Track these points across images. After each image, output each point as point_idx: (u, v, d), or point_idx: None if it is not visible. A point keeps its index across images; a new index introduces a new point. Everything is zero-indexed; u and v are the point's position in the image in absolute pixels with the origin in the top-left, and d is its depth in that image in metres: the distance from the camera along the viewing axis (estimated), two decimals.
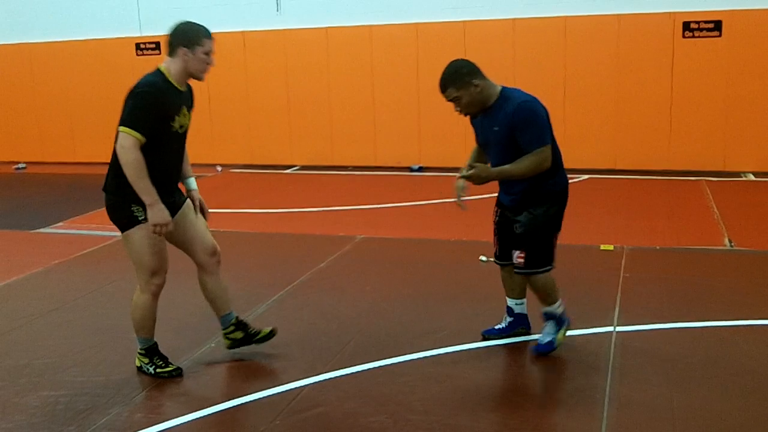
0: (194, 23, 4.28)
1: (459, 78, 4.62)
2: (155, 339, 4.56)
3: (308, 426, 3.96)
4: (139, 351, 4.55)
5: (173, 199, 4.40)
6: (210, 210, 4.71)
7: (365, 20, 11.34)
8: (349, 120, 11.50)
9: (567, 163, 11.06)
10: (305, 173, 11.58)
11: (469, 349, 4.75)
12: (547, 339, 4.60)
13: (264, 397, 4.22)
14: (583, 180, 10.09)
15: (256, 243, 7.54)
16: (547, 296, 4.56)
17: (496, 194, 4.89)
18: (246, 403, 4.18)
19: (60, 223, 8.75)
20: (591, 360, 4.52)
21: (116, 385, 4.43)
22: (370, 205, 9.01)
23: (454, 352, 4.72)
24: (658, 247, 6.78)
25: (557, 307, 4.59)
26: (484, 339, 4.86)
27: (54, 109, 13.32)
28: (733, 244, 6.89)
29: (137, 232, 4.26)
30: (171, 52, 4.22)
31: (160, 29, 12.13)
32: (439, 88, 4.68)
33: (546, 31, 10.62)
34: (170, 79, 4.20)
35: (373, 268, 6.50)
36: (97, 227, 8.43)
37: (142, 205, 4.17)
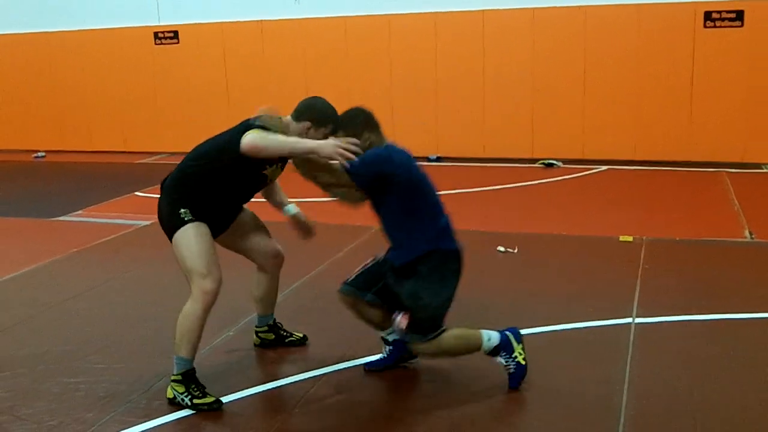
0: (328, 107, 4.20)
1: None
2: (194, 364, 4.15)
3: (326, 415, 3.97)
4: (173, 378, 4.07)
5: (225, 221, 4.36)
6: None
7: (384, 9, 11.30)
8: None
9: (586, 153, 11.03)
10: None
11: None
12: (513, 367, 4.12)
13: (282, 386, 4.24)
14: (602, 171, 10.03)
15: (273, 232, 7.51)
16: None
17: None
18: (264, 391, 4.19)
19: (79, 212, 8.79)
20: (609, 351, 4.50)
21: (136, 372, 4.46)
22: None
23: None
24: (677, 239, 6.73)
25: (487, 343, 4.12)
26: (367, 372, 4.42)
27: (73, 98, 13.36)
28: (753, 236, 6.83)
29: (183, 233, 4.10)
30: (297, 118, 4.20)
31: (179, 18, 12.28)
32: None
33: (566, 20, 10.53)
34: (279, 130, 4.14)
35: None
36: (115, 216, 8.48)
37: (190, 207, 4.13)
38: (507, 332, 4.14)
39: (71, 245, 7.24)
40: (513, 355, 4.09)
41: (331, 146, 3.88)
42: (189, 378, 4.08)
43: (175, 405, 4.04)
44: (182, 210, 4.12)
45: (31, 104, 13.69)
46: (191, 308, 4.10)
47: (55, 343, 4.95)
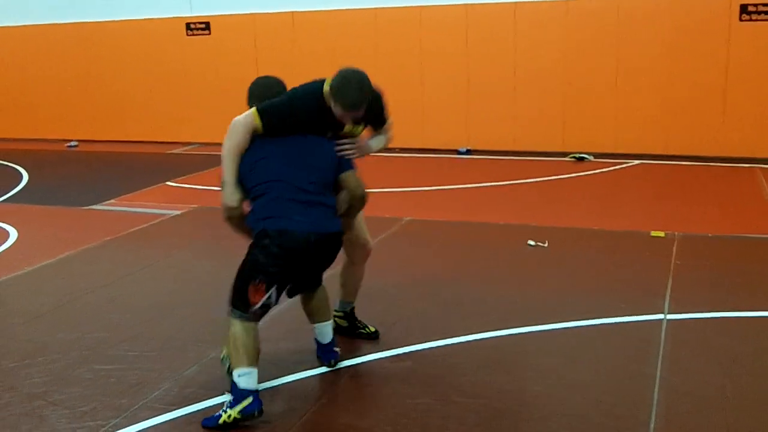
0: (350, 90, 4.05)
1: None
2: None
3: (354, 406, 3.99)
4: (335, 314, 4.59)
5: None
6: None
7: (415, 1, 11.27)
8: (397, 101, 11.29)
9: (617, 147, 10.95)
10: None
11: (516, 334, 4.72)
12: (216, 415, 3.76)
13: (311, 376, 4.25)
14: (634, 165, 9.95)
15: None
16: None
17: None
18: (293, 381, 4.21)
19: (111, 201, 8.88)
20: (641, 347, 4.47)
21: (167, 359, 4.50)
22: (417, 188, 9.00)
23: (500, 336, 4.70)
24: (710, 235, 6.66)
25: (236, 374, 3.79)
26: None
27: (106, 87, 13.48)
28: None
29: None
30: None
31: (210, 9, 12.34)
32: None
33: (599, 13, 10.45)
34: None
35: (419, 250, 6.49)
36: (147, 205, 8.55)
37: None
38: (249, 396, 3.72)
39: (104, 233, 7.32)
40: (224, 410, 3.71)
41: (224, 206, 4.09)
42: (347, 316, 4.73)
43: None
44: None
45: (64, 94, 13.84)
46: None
47: (88, 330, 5.01)
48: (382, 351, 4.52)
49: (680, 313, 4.91)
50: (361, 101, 4.00)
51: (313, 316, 4.35)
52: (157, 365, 4.44)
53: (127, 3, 13.06)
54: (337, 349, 4.37)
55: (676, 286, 5.40)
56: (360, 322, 4.83)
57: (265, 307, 3.91)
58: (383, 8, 11.46)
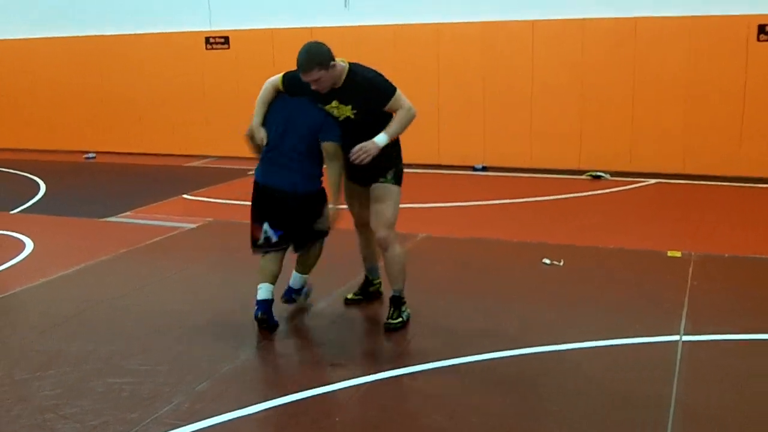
0: (299, 55, 4.78)
1: None
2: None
3: (367, 424, 3.96)
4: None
5: (357, 175, 5.00)
6: None
7: (433, 18, 11.30)
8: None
9: (634, 166, 10.90)
10: None
11: (529, 354, 4.68)
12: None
13: (323, 393, 4.23)
14: (651, 184, 9.89)
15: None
16: None
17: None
18: (306, 398, 4.19)
19: (127, 213, 8.91)
20: (657, 368, 4.42)
21: (179, 373, 4.49)
22: (433, 204, 8.98)
23: (513, 355, 4.66)
24: (727, 255, 6.60)
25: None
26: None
27: (125, 100, 13.58)
28: None
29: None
30: None
31: (230, 24, 12.41)
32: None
33: (616, 31, 10.43)
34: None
35: (433, 267, 6.47)
36: (162, 217, 8.58)
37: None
38: (257, 304, 5.00)
39: (120, 245, 7.34)
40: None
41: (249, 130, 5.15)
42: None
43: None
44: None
45: (84, 106, 13.95)
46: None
47: (101, 342, 5.02)
48: (395, 368, 4.49)
49: (696, 334, 4.86)
50: (307, 65, 4.69)
51: (297, 264, 5.34)
52: (170, 379, 4.43)
53: (147, 17, 13.16)
54: (294, 297, 5.42)
55: (692, 306, 5.35)
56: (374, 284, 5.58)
57: (268, 241, 5.04)
58: (401, 25, 11.49)
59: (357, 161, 4.68)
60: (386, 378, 4.39)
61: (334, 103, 4.80)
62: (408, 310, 5.15)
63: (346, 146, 4.79)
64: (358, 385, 4.31)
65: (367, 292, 5.62)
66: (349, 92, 4.78)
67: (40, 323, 5.50)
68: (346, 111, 4.81)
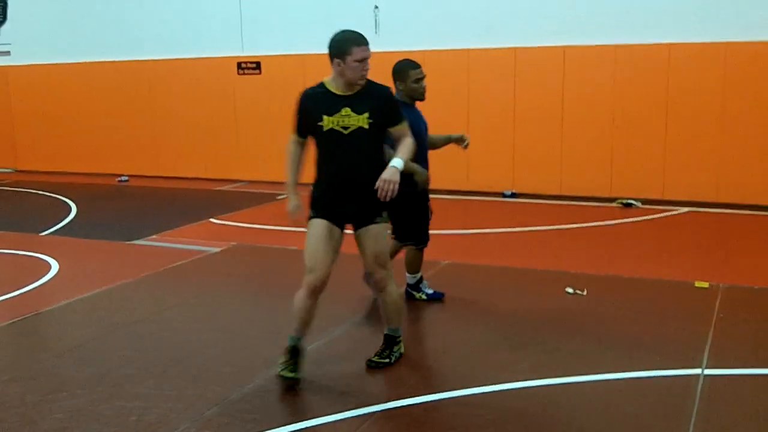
0: (347, 33, 4.52)
1: None
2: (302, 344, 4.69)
3: None
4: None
5: (348, 209, 4.62)
6: (299, 229, 4.89)
7: (463, 44, 11.28)
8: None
9: (666, 194, 10.70)
10: None
11: (546, 385, 4.57)
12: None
13: (332, 422, 4.16)
14: (683, 213, 9.71)
15: (338, 263, 7.51)
16: None
17: None
18: (314, 426, 4.12)
19: (154, 236, 8.96)
20: (674, 404, 4.28)
21: (189, 400, 4.46)
22: (460, 230, 8.90)
23: (530, 387, 4.55)
24: (756, 287, 6.42)
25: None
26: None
27: (158, 124, 13.73)
28: None
29: (308, 229, 4.65)
30: (331, 62, 4.51)
31: (262, 50, 12.50)
32: (417, 65, 5.97)
33: (649, 57, 10.30)
34: (327, 85, 4.56)
35: (456, 295, 6.37)
36: (188, 241, 8.61)
37: (315, 207, 4.64)
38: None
39: (144, 269, 7.37)
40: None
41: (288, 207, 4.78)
42: (290, 351, 4.63)
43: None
44: (311, 210, 4.66)
45: (118, 129, 14.12)
46: (298, 292, 4.61)
47: (116, 366, 5.01)
48: (407, 398, 4.41)
49: (718, 368, 4.71)
50: (364, 38, 4.51)
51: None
52: (179, 404, 4.40)
53: (181, 42, 13.32)
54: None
55: (716, 340, 5.19)
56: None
57: None
58: (432, 51, 11.48)
59: (387, 197, 4.36)
60: (397, 408, 4.31)
61: (345, 111, 4.47)
62: (400, 349, 5.00)
63: (357, 164, 4.54)
64: (367, 414, 4.23)
65: None
66: (365, 99, 4.50)
67: (57, 346, 5.52)
68: (359, 120, 4.47)
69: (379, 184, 4.35)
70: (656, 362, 4.80)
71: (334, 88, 4.54)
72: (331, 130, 4.48)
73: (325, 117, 4.47)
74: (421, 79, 5.86)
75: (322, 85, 4.58)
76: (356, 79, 4.47)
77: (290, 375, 4.54)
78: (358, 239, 4.71)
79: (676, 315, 5.79)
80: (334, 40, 4.49)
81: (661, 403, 4.30)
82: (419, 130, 5.62)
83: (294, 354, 4.62)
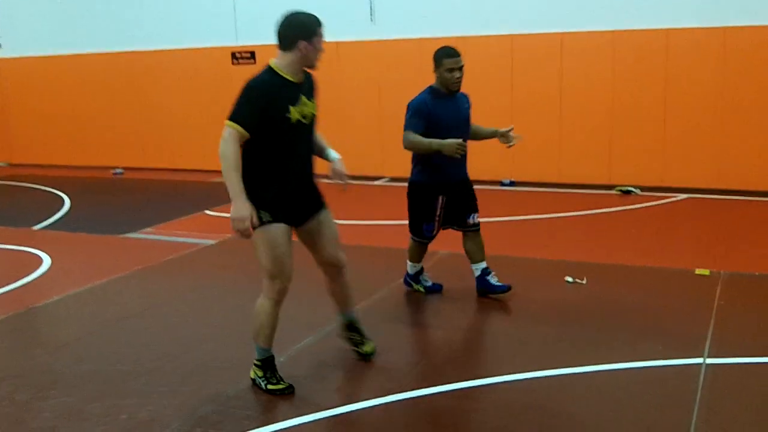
0: (308, 14, 4.20)
1: None
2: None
3: None
4: (255, 362, 4.45)
5: (305, 204, 4.40)
6: None
7: (459, 31, 11.15)
8: None
9: (665, 181, 10.60)
10: (394, 185, 11.44)
11: (547, 377, 4.48)
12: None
13: (327, 417, 4.08)
14: (682, 199, 9.62)
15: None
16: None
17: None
18: (309, 422, 4.04)
19: (148, 229, 8.86)
20: (677, 394, 4.20)
21: (183, 396, 4.38)
22: None
23: (531, 378, 4.47)
24: (757, 274, 6.34)
25: None
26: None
27: (153, 116, 13.62)
28: None
29: (259, 235, 4.22)
30: (287, 47, 4.12)
31: (256, 39, 12.37)
32: (454, 54, 5.66)
33: (647, 43, 10.19)
34: (282, 73, 4.12)
35: (453, 285, 6.29)
36: (182, 234, 8.52)
37: (270, 209, 4.19)
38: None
39: (136, 263, 7.27)
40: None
41: (237, 212, 4.06)
42: (267, 364, 4.41)
43: (255, 385, 4.43)
44: (261, 211, 4.17)
45: (111, 121, 14.01)
46: (262, 304, 4.37)
47: (108, 363, 4.93)
48: (405, 392, 4.32)
49: (721, 357, 4.63)
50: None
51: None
52: (173, 402, 4.31)
53: (174, 32, 13.19)
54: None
55: (718, 328, 5.11)
56: (359, 337, 4.80)
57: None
58: (427, 39, 11.35)
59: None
60: (394, 401, 4.22)
61: (303, 100, 4.19)
62: None
63: (310, 155, 4.42)
64: (365, 408, 4.15)
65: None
66: (307, 84, 4.28)
67: (49, 342, 5.44)
68: (312, 108, 4.28)
69: (341, 179, 4.53)
70: (658, 352, 4.72)
71: (289, 75, 4.13)
72: (298, 121, 4.17)
73: (291, 108, 4.13)
74: (455, 69, 5.56)
75: (274, 73, 4.12)
76: (317, 60, 4.19)
77: (282, 386, 4.37)
78: (313, 229, 4.47)
79: (677, 303, 5.70)
80: (297, 20, 4.13)
81: (664, 393, 4.22)
82: (449, 121, 5.56)
83: (272, 364, 4.45)
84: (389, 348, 4.99)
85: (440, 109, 5.55)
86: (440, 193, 5.67)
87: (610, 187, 10.35)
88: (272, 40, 4.23)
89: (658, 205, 9.38)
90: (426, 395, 4.29)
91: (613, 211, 9.13)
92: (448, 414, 4.10)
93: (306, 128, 4.27)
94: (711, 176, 10.07)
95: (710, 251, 7.19)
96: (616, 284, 6.24)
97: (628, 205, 9.42)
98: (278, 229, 4.23)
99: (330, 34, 13.13)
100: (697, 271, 6.36)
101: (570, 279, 6.25)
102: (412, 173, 5.77)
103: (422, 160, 5.66)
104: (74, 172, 13.88)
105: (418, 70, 11.45)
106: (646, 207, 9.28)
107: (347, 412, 4.12)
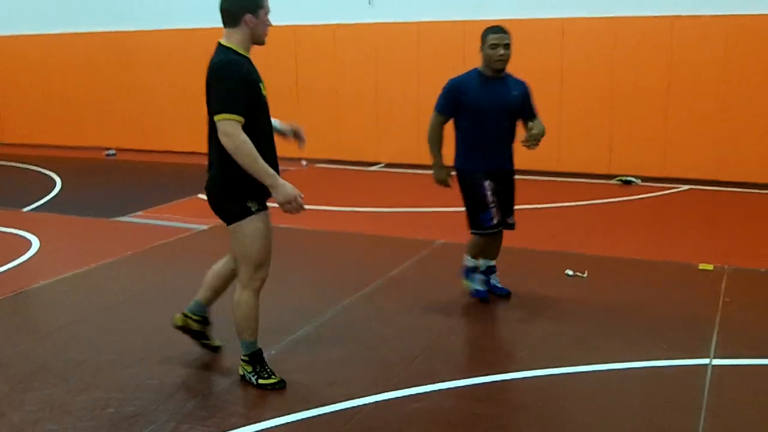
0: None
1: None
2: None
3: None
4: (242, 357, 4.26)
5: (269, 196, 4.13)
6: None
7: (457, 15, 10.97)
8: None
9: (666, 171, 10.45)
10: (390, 171, 11.29)
11: (545, 376, 4.33)
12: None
13: (320, 415, 3.92)
14: (683, 190, 9.47)
15: (330, 243, 7.28)
16: None
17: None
18: (300, 420, 3.89)
19: (139, 213, 8.69)
20: (683, 396, 4.06)
21: (170, 389, 4.23)
22: (455, 208, 8.60)
23: (528, 377, 4.32)
24: (763, 270, 6.19)
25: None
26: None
27: (147, 97, 13.41)
28: None
29: (249, 224, 4.04)
30: (233, 22, 3.95)
31: None
32: (500, 30, 5.22)
33: (650, 31, 10.00)
34: (239, 50, 3.97)
35: (450, 277, 6.13)
36: (174, 218, 8.35)
37: (257, 198, 4.02)
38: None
39: (126, 247, 7.10)
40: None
41: (286, 196, 3.88)
42: (256, 359, 4.23)
43: (245, 381, 4.24)
44: (249, 201, 4.03)
45: (105, 102, 13.80)
46: (244, 296, 4.16)
47: (95, 351, 4.78)
48: (397, 389, 4.17)
49: (727, 357, 4.48)
50: None
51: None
52: (159, 395, 4.16)
53: (169, 12, 12.97)
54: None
55: (724, 326, 4.96)
56: (210, 331, 4.65)
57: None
58: (425, 22, 11.18)
59: None
60: (389, 399, 4.07)
61: (261, 78, 4.08)
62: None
63: (273, 136, 4.21)
64: (358, 406, 4.00)
65: None
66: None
67: (33, 330, 5.27)
68: (264, 89, 4.12)
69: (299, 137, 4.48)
70: (662, 351, 4.58)
71: (245, 52, 3.99)
72: (266, 100, 4.06)
73: (260, 84, 3.99)
74: (499, 45, 5.11)
75: (236, 52, 3.95)
76: (265, 35, 4.03)
77: (273, 380, 4.20)
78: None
79: (681, 300, 5.55)
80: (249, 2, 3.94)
81: (669, 396, 4.07)
82: (486, 106, 5.19)
83: (261, 358, 4.26)
84: (384, 342, 4.84)
85: (478, 92, 5.18)
86: (484, 177, 5.30)
87: (611, 177, 10.19)
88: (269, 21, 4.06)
89: (659, 195, 9.23)
90: (418, 394, 4.13)
91: (614, 202, 8.98)
92: (445, 412, 3.96)
93: (268, 108, 4.13)
94: (714, 167, 9.92)
95: (714, 245, 7.03)
96: (617, 278, 6.09)
97: (629, 195, 9.27)
98: (266, 216, 4.12)
99: (327, 17, 13.03)
100: (701, 266, 6.21)
101: (570, 272, 6.10)
102: (454, 158, 5.45)
103: (461, 140, 5.34)
104: (67, 152, 13.67)
105: (417, 54, 11.30)
106: (647, 198, 9.13)
107: (340, 410, 3.96)
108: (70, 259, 6.81)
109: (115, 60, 13.56)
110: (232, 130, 3.83)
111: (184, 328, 4.57)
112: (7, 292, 5.95)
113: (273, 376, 4.22)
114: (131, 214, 8.60)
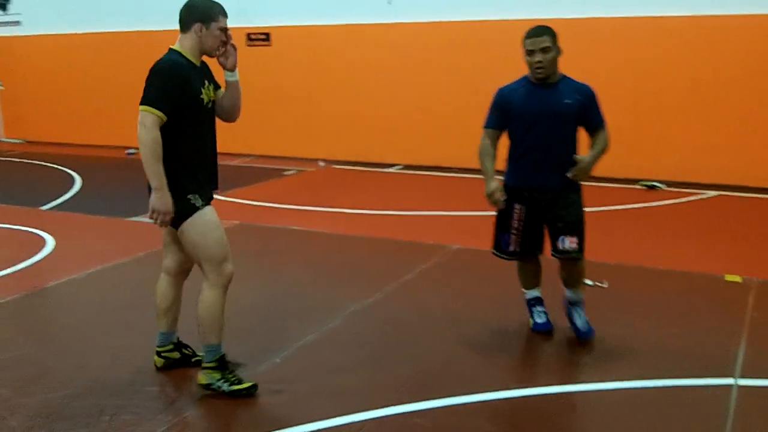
0: (212, 1, 4.09)
1: (553, 31, 4.64)
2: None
3: None
4: (205, 365, 4.10)
5: (210, 194, 4.18)
6: (305, 207, 4.36)
7: (478, 15, 10.79)
8: (453, 119, 10.95)
9: (693, 176, 10.16)
10: (407, 173, 11.11)
11: (561, 393, 4.16)
12: (585, 321, 4.86)
13: (320, 430, 3.77)
14: (711, 197, 9.21)
15: (342, 246, 7.13)
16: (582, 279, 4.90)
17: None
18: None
19: None
20: (704, 419, 3.84)
21: (170, 396, 4.19)
22: (471, 212, 8.43)
23: (543, 394, 4.14)
24: None
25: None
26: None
27: None
28: None
29: (199, 220, 4.00)
30: (184, 28, 4.07)
31: (271, 20, 12.06)
32: (532, 33, 4.69)
33: (675, 31, 9.75)
34: (186, 54, 4.06)
35: (464, 284, 5.98)
36: None
37: (198, 191, 3.99)
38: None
39: (140, 247, 7.02)
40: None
41: (163, 205, 3.92)
42: (223, 364, 4.11)
43: (210, 391, 4.06)
44: (190, 196, 4.00)
45: (126, 101, 13.67)
46: (211, 296, 4.11)
47: (97, 356, 4.68)
48: (401, 404, 3.99)
49: (754, 377, 4.25)
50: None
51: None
52: (158, 403, 4.06)
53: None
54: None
55: (751, 343, 4.73)
56: (189, 348, 4.52)
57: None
58: (445, 22, 11.02)
59: None
60: (392, 415, 3.90)
61: (206, 83, 4.13)
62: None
63: (212, 140, 4.28)
64: (358, 422, 3.83)
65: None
66: (206, 70, 4.20)
67: (40, 332, 5.21)
68: (213, 93, 4.21)
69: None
70: (683, 369, 4.35)
71: (192, 57, 4.08)
72: (206, 104, 4.11)
73: (202, 89, 4.06)
74: (534, 51, 4.60)
75: (180, 54, 4.07)
76: (214, 48, 4.07)
77: (246, 385, 4.08)
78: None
79: (706, 313, 5.34)
80: (196, 4, 4.07)
81: (690, 418, 3.86)
82: (532, 115, 4.67)
83: (226, 363, 4.15)
84: (393, 351, 4.70)
85: (525, 100, 4.69)
86: (516, 200, 4.82)
87: (634, 181, 9.96)
88: (287, 21, 3.99)
89: (685, 202, 8.99)
90: (422, 410, 3.95)
91: (638, 208, 8.74)
92: (453, 429, 3.79)
93: (210, 112, 4.20)
94: (744, 172, 9.63)
95: (742, 255, 6.78)
96: (639, 290, 5.87)
97: (653, 201, 9.03)
98: (211, 210, 4.09)
99: (346, 16, 12.92)
100: (728, 277, 5.98)
101: (590, 282, 5.89)
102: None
103: (508, 154, 4.85)
104: (88, 150, 13.70)
105: (436, 54, 11.13)
106: (672, 204, 8.89)
107: (341, 425, 3.81)
108: (84, 259, 6.74)
109: (139, 60, 13.41)
110: (148, 122, 3.88)
111: (167, 364, 4.45)
112: (18, 292, 5.88)
113: (243, 381, 4.09)
114: (146, 214, 8.49)
